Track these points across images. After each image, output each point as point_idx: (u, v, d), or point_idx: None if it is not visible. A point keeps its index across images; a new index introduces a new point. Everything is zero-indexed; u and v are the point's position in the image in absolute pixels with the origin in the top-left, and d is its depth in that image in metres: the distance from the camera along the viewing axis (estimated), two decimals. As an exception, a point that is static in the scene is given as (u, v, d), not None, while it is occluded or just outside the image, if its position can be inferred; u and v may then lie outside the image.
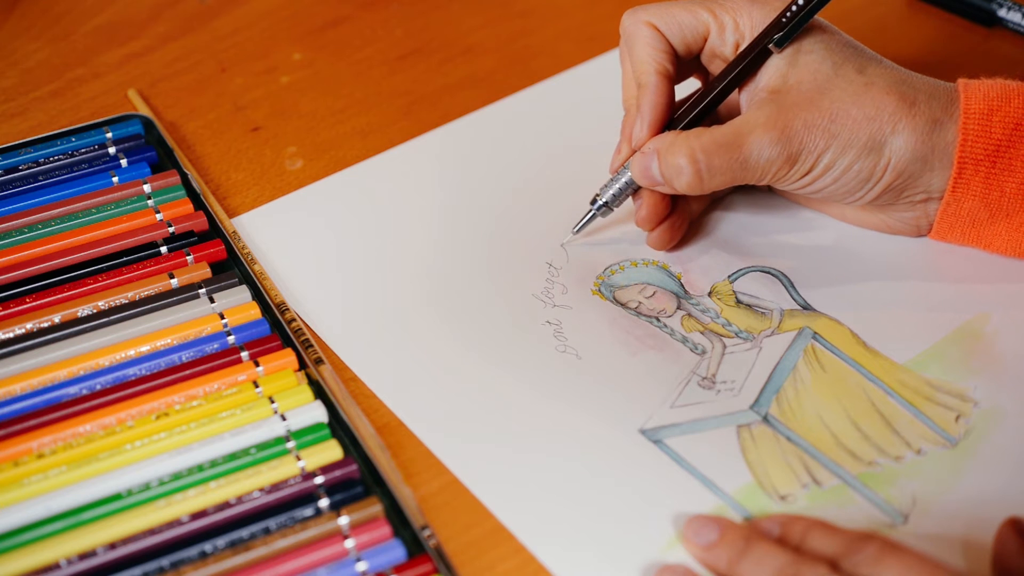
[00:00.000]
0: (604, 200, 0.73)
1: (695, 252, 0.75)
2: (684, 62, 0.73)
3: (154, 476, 0.63)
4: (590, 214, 0.74)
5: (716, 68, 0.73)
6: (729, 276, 0.74)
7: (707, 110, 0.71)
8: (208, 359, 0.68)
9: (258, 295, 0.72)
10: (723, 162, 0.68)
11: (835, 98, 0.68)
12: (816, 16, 0.69)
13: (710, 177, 0.69)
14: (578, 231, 0.74)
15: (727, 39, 0.71)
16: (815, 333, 0.70)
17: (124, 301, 0.70)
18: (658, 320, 0.72)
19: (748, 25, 0.70)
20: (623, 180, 0.72)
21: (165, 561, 0.60)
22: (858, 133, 0.67)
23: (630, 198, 0.73)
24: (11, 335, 0.69)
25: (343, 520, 0.61)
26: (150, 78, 0.86)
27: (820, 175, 0.69)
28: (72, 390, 0.66)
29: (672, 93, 0.72)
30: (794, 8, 0.68)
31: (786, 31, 0.68)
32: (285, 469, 0.63)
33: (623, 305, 0.72)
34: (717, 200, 0.77)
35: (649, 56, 0.71)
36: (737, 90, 0.71)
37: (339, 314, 0.72)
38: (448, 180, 0.79)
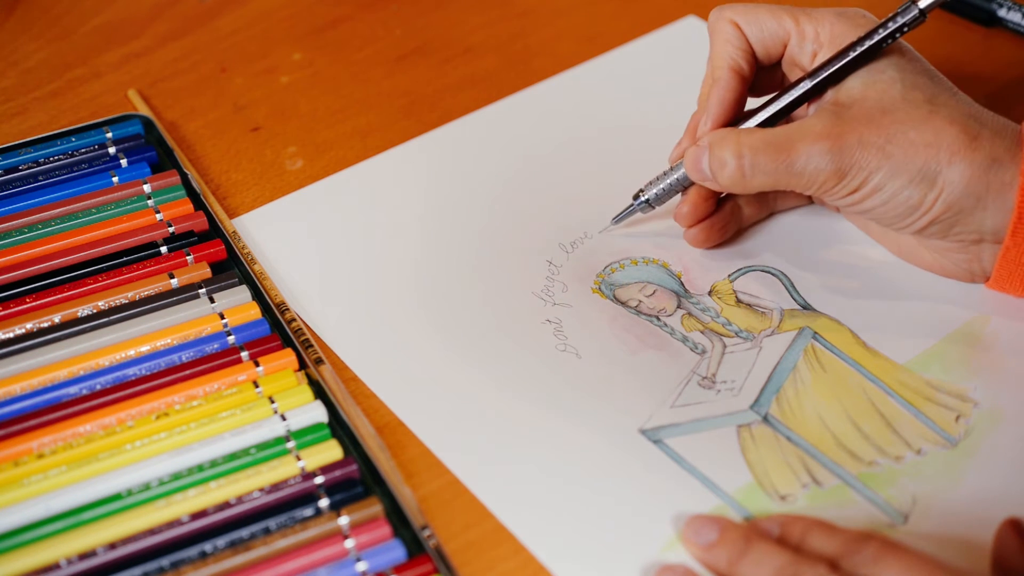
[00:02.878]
0: (646, 197, 0.73)
1: (695, 251, 0.75)
2: (765, 69, 0.73)
3: (154, 476, 0.63)
4: (630, 208, 0.74)
5: (795, 77, 0.72)
6: (729, 275, 0.74)
7: (779, 115, 0.70)
8: (208, 359, 0.68)
9: (258, 295, 0.72)
10: (768, 162, 0.67)
11: (896, 119, 0.66)
12: (901, 40, 0.69)
13: (752, 175, 0.68)
14: (617, 222, 0.75)
15: (806, 48, 0.70)
16: (815, 333, 0.70)
17: (124, 301, 0.70)
18: (658, 319, 0.72)
19: (828, 36, 0.69)
20: (673, 177, 0.72)
21: (165, 561, 0.60)
22: (913, 158, 0.66)
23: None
24: (11, 335, 0.69)
25: (343, 520, 0.61)
26: (150, 78, 0.86)
27: (868, 195, 0.67)
28: (72, 390, 0.66)
29: (742, 91, 0.71)
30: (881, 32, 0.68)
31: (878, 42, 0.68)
32: (285, 469, 0.63)
33: (623, 304, 0.72)
34: (776, 212, 0.76)
35: (725, 52, 0.71)
36: (807, 104, 0.70)
37: (339, 314, 0.72)
38: (448, 180, 0.79)
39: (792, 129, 0.68)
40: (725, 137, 0.68)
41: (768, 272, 0.74)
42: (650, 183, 0.73)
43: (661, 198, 0.73)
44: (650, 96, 0.84)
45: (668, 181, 0.73)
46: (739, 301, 0.73)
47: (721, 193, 0.73)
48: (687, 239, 0.74)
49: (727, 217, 0.74)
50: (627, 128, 0.82)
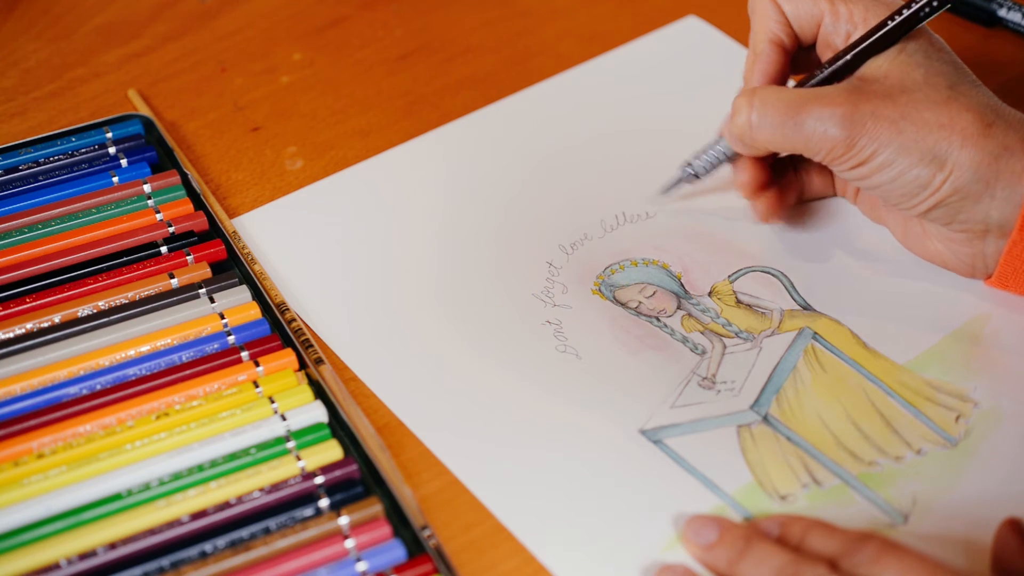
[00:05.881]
0: (692, 169, 0.74)
1: (695, 252, 0.75)
2: (801, 50, 0.73)
3: (154, 476, 0.63)
4: (677, 180, 0.75)
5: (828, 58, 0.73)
6: (729, 276, 0.74)
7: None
8: (208, 359, 0.68)
9: (258, 295, 0.72)
10: (777, 117, 0.68)
11: (914, 99, 0.67)
12: (931, 31, 0.69)
13: (759, 127, 0.68)
14: (665, 193, 0.76)
15: (840, 28, 0.71)
16: (815, 333, 0.71)
17: (124, 301, 0.70)
18: (658, 320, 0.72)
19: (862, 17, 0.70)
20: (717, 147, 0.73)
21: (165, 561, 0.60)
22: (925, 137, 0.66)
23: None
24: (11, 335, 0.69)
25: (343, 520, 0.61)
26: (150, 78, 0.86)
27: (876, 170, 0.67)
28: (72, 390, 0.66)
29: (784, 64, 0.72)
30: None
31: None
32: (285, 469, 0.63)
33: (623, 305, 0.72)
34: (813, 199, 0.77)
35: (765, 27, 0.72)
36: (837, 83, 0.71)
37: (339, 314, 0.72)
38: (448, 180, 0.79)
39: (809, 91, 0.68)
40: (745, 90, 0.69)
41: (768, 272, 0.74)
42: (696, 155, 0.74)
43: (707, 169, 0.74)
44: (650, 96, 0.84)
45: (713, 151, 0.73)
46: (739, 302, 0.73)
47: (771, 159, 0.73)
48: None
49: (779, 191, 0.74)
50: (628, 128, 0.82)
